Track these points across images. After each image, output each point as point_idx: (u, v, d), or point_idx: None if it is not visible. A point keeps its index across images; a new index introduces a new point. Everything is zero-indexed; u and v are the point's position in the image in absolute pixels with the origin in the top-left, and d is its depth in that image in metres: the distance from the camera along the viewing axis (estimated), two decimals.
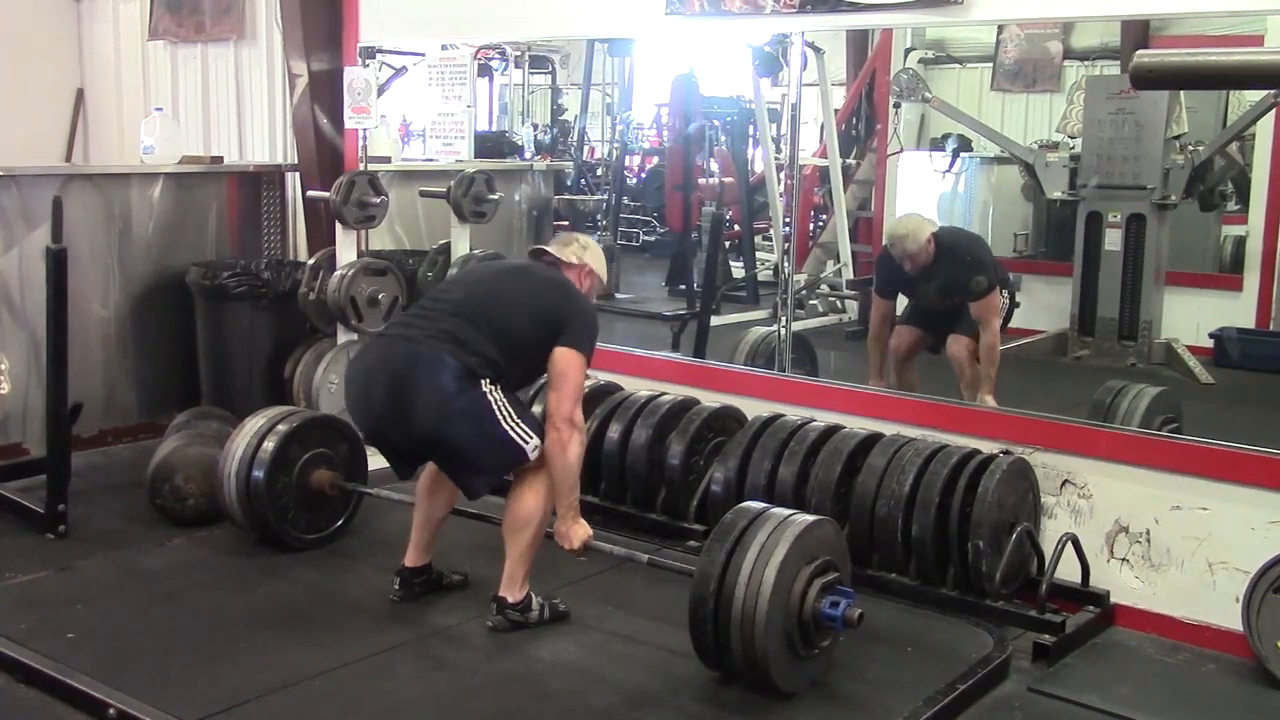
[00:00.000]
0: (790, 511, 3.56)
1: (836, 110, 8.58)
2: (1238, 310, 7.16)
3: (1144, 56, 1.77)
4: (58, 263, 4.72)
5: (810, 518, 3.52)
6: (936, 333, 5.63)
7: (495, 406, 3.71)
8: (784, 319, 5.21)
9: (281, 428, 4.49)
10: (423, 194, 6.14)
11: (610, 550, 3.98)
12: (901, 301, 5.87)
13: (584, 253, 4.11)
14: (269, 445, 4.44)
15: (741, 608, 3.33)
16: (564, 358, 3.78)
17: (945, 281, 5.44)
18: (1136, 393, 4.97)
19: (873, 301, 5.90)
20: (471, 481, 3.83)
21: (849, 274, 8.10)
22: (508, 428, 3.72)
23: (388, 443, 3.87)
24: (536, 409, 4.42)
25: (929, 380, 5.62)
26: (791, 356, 5.19)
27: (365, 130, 5.98)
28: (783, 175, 7.94)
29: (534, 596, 3.90)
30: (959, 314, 5.48)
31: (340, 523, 4.67)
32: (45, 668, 3.51)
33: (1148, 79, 1.76)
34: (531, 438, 3.76)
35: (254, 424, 4.54)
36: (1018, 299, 6.80)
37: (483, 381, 3.71)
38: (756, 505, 3.63)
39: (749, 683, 3.46)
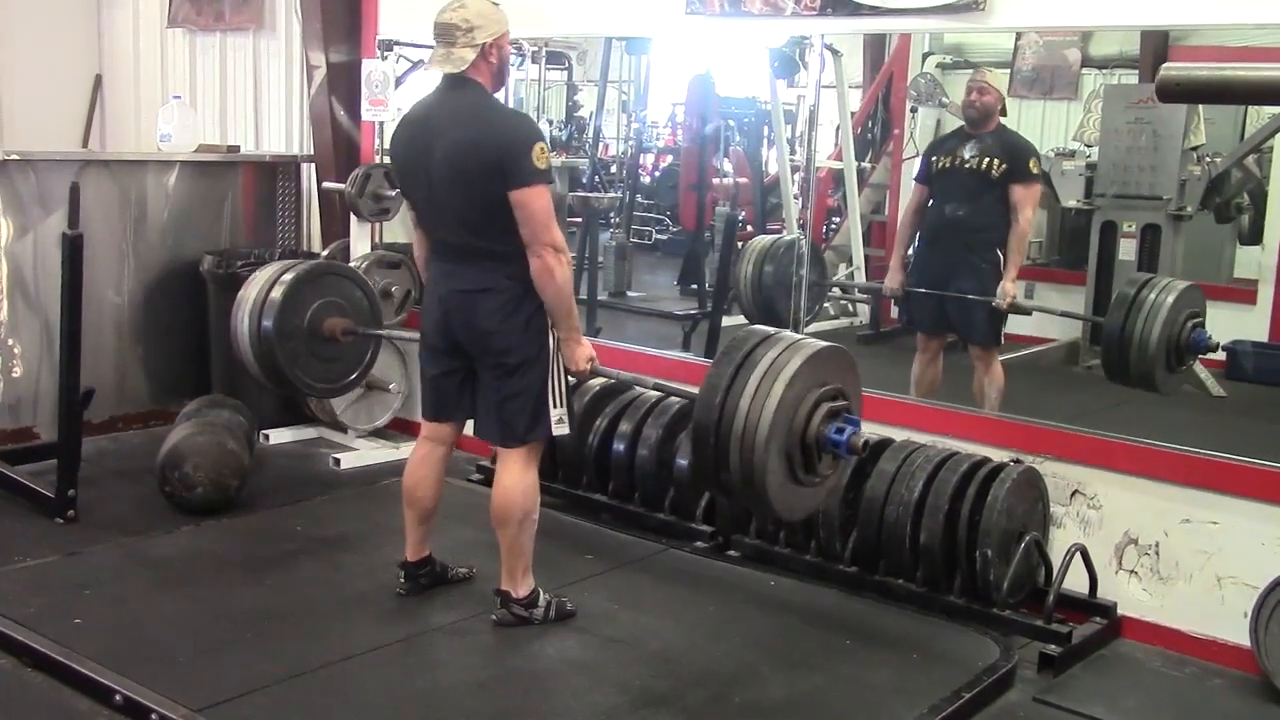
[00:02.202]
0: (803, 335, 3.44)
1: (853, 113, 8.56)
2: (1252, 323, 7.12)
3: (1170, 69, 1.76)
4: (74, 249, 4.72)
5: (824, 343, 3.39)
6: (950, 324, 5.58)
7: (550, 377, 3.74)
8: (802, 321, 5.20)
9: (288, 276, 4.45)
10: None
11: (616, 375, 4.00)
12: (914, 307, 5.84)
13: (475, 33, 3.70)
14: (277, 293, 4.40)
15: (744, 422, 3.21)
16: (519, 198, 3.59)
17: (992, 152, 5.34)
18: (1164, 285, 4.90)
19: (913, 191, 5.84)
20: (491, 425, 3.83)
21: (861, 277, 8.08)
22: (549, 401, 3.75)
23: (450, 360, 3.84)
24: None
25: (947, 387, 5.61)
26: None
27: (382, 123, 5.99)
28: (797, 177, 7.94)
29: (541, 593, 3.90)
30: (971, 304, 5.43)
31: (354, 376, 4.60)
32: (53, 652, 3.52)
33: (1174, 92, 1.76)
34: (560, 408, 3.77)
35: (265, 274, 4.51)
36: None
37: (541, 304, 3.69)
38: (768, 328, 3.48)
39: (744, 500, 3.36)
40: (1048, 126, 9.88)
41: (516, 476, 3.79)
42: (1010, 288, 5.25)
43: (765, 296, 6.04)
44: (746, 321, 6.10)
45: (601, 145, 12.08)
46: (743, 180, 10.48)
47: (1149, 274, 5.13)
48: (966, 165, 5.40)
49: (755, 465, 3.22)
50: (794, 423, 3.27)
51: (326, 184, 6.25)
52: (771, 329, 3.48)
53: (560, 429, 3.81)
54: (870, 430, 4.47)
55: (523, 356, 3.72)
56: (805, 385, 3.28)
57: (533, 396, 3.74)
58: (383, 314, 5.01)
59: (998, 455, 4.29)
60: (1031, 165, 5.36)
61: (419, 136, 3.78)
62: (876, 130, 9.10)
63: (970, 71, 7.85)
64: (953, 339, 5.72)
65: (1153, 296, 4.78)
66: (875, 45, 9.11)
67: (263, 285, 4.46)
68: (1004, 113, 5.46)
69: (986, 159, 5.35)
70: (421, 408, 4.04)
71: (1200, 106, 6.85)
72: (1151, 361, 4.58)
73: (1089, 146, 7.64)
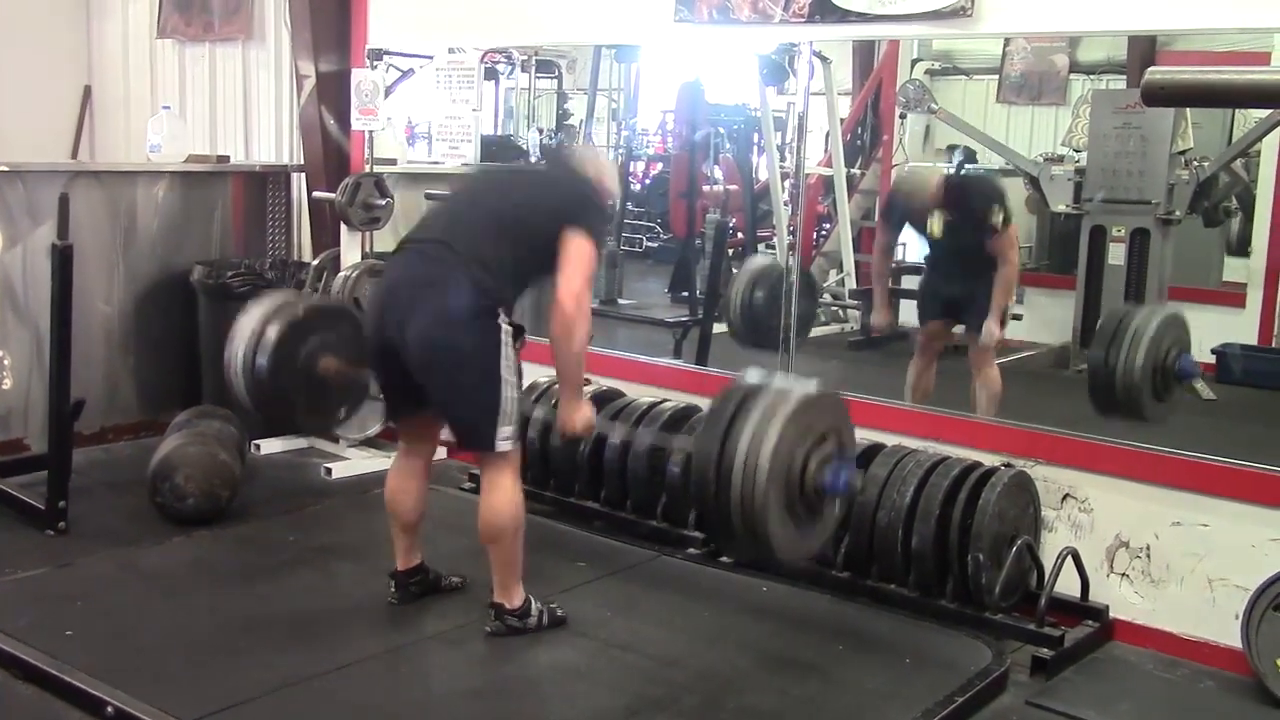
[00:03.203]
0: (787, 385, 3.43)
1: (842, 120, 8.58)
2: (1241, 327, 7.15)
3: (1155, 73, 1.77)
4: (63, 260, 4.71)
5: (811, 389, 3.40)
6: (956, 313, 5.59)
7: (504, 360, 3.64)
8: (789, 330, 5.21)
9: (283, 316, 4.44)
10: (428, 197, 6.14)
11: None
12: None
13: (597, 173, 3.98)
14: (271, 332, 4.36)
15: (742, 479, 3.23)
16: (576, 241, 3.66)
17: (958, 214, 5.35)
18: (1147, 313, 4.91)
19: (876, 230, 5.85)
20: (457, 420, 3.80)
21: (852, 283, 8.10)
22: (503, 391, 3.64)
23: (391, 365, 3.77)
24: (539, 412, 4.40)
25: (938, 391, 5.62)
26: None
27: (371, 132, 6.00)
28: (787, 184, 7.95)
29: (533, 601, 3.89)
30: (975, 294, 5.42)
31: (344, 412, 4.63)
32: (44, 664, 3.51)
33: (1159, 96, 1.77)
34: (510, 425, 3.68)
35: (258, 312, 4.48)
36: (1019, 311, 6.76)
37: (500, 321, 3.63)
38: (753, 380, 3.48)
39: (746, 545, 3.40)
40: (1036, 132, 9.94)
41: (504, 488, 3.74)
42: (996, 330, 5.23)
43: (754, 315, 5.98)
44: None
45: None
46: (733, 187, 10.50)
47: (1130, 305, 5.12)
48: (934, 232, 5.45)
49: (758, 521, 3.27)
50: (790, 474, 3.31)
51: (317, 193, 6.24)
52: (758, 378, 3.49)
53: (505, 445, 3.71)
54: (862, 436, 4.49)
55: (467, 355, 3.64)
56: (793, 444, 3.32)
57: (483, 401, 3.65)
58: None
59: (989, 459, 4.30)
60: (996, 213, 5.33)
61: (519, 168, 3.84)
62: (866, 136, 9.15)
63: (960, 78, 7.90)
64: (951, 343, 5.74)
65: (1135, 323, 4.79)
66: (864, 52, 9.16)
67: (258, 321, 4.45)
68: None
69: (952, 224, 5.39)
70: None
71: (1187, 111, 6.89)
72: (1138, 392, 4.57)
73: (1077, 151, 7.67)
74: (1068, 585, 4.10)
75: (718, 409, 3.37)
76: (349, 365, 4.43)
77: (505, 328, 3.66)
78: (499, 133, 11.57)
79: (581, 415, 3.85)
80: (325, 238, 6.32)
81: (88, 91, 8.15)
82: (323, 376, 4.44)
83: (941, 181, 5.34)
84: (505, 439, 3.69)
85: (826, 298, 8.43)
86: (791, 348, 4.93)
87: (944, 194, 5.32)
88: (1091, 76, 9.58)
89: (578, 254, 3.67)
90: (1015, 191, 8.31)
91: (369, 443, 6.01)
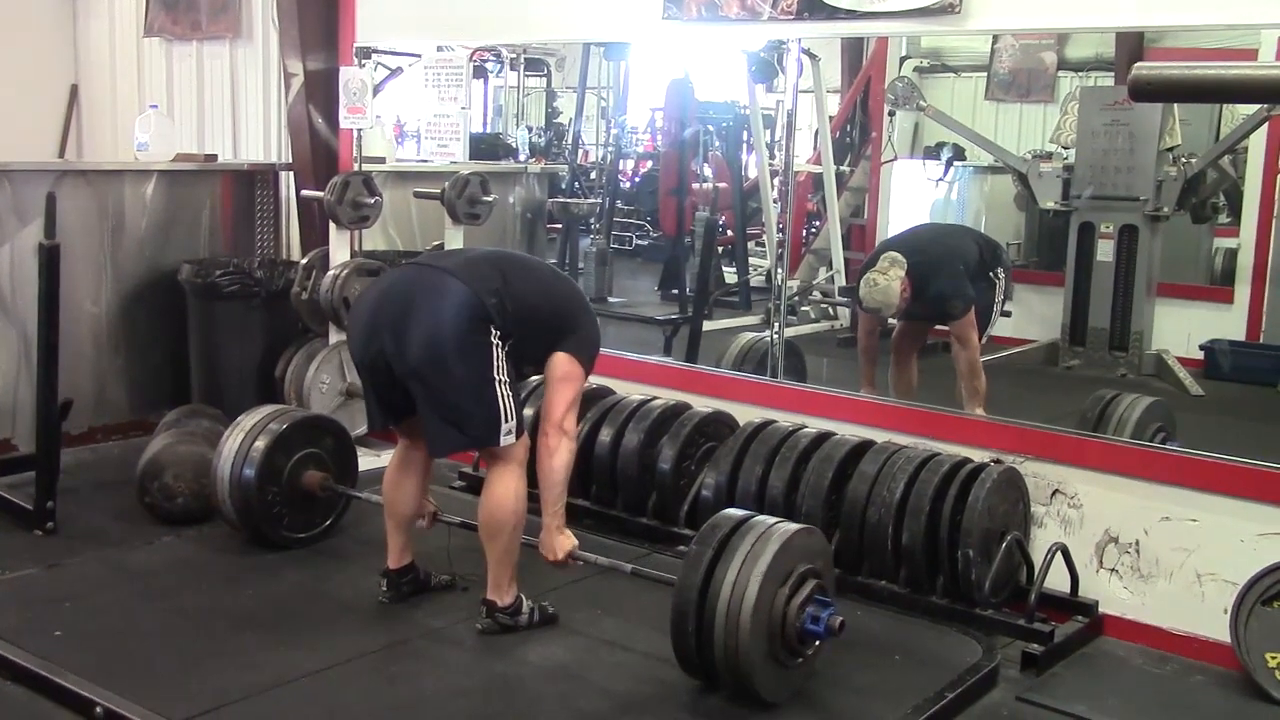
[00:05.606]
0: (771, 521, 3.52)
1: (831, 117, 8.59)
2: (1229, 322, 7.18)
3: (1142, 69, 1.77)
4: (50, 259, 4.70)
5: (791, 528, 3.48)
6: (929, 316, 5.61)
7: (495, 363, 3.64)
8: (776, 325, 5.21)
9: (273, 426, 4.50)
10: (417, 195, 6.14)
11: (594, 560, 3.97)
12: None
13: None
14: (259, 446, 4.44)
15: (724, 624, 3.32)
16: (565, 363, 3.79)
17: (922, 305, 5.34)
18: (1130, 402, 4.96)
19: (860, 317, 5.86)
20: (441, 432, 3.72)
21: (841, 281, 8.10)
22: (498, 390, 3.64)
23: (378, 371, 3.75)
24: (528, 411, 4.40)
25: (923, 389, 5.62)
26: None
27: (360, 130, 5.98)
28: (777, 181, 7.96)
29: (524, 599, 3.90)
30: (945, 294, 5.41)
31: (330, 521, 4.68)
32: (32, 665, 3.50)
33: (1146, 91, 1.77)
34: (511, 419, 3.68)
35: (247, 422, 4.54)
36: (1008, 308, 6.75)
37: (492, 331, 3.64)
38: (737, 513, 3.60)
39: (733, 692, 3.46)
40: (1025, 129, 9.96)
41: (510, 484, 3.76)
42: (980, 413, 5.14)
43: None
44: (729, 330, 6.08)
45: (581, 151, 12.12)
46: (722, 185, 10.50)
47: (1113, 391, 5.09)
48: (905, 313, 5.45)
49: (741, 666, 3.34)
50: (771, 619, 3.37)
51: (305, 192, 6.22)
52: (740, 514, 3.57)
53: (507, 439, 3.73)
54: (852, 433, 4.51)
55: (459, 350, 3.64)
56: (778, 580, 3.38)
57: (481, 395, 3.66)
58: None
59: (978, 456, 4.30)
60: (954, 306, 5.34)
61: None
62: (855, 134, 9.14)
63: (949, 76, 7.86)
64: (931, 341, 5.74)
65: (1119, 413, 4.73)
66: (853, 49, 9.15)
67: (245, 436, 4.49)
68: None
69: (924, 315, 5.47)
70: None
71: (1175, 107, 6.91)
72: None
73: (1066, 148, 7.68)
74: (1057, 581, 4.11)
75: (703, 541, 3.46)
76: (333, 483, 4.53)
77: (495, 332, 3.66)
78: (488, 131, 11.60)
79: (563, 544, 3.88)
80: (314, 236, 6.31)
81: (74, 90, 8.12)
82: (308, 492, 4.54)
83: (905, 285, 5.16)
84: (508, 433, 3.70)
85: (816, 295, 8.44)
86: None
87: (911, 289, 5.20)
88: (1080, 73, 9.61)
89: (568, 378, 3.78)
90: (1004, 189, 8.35)
91: (359, 441, 5.98)
